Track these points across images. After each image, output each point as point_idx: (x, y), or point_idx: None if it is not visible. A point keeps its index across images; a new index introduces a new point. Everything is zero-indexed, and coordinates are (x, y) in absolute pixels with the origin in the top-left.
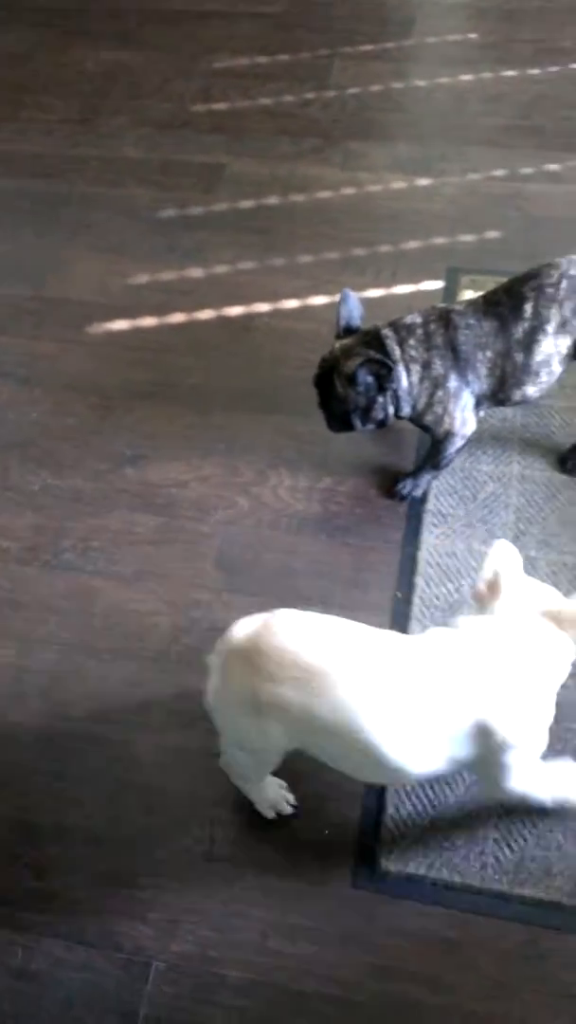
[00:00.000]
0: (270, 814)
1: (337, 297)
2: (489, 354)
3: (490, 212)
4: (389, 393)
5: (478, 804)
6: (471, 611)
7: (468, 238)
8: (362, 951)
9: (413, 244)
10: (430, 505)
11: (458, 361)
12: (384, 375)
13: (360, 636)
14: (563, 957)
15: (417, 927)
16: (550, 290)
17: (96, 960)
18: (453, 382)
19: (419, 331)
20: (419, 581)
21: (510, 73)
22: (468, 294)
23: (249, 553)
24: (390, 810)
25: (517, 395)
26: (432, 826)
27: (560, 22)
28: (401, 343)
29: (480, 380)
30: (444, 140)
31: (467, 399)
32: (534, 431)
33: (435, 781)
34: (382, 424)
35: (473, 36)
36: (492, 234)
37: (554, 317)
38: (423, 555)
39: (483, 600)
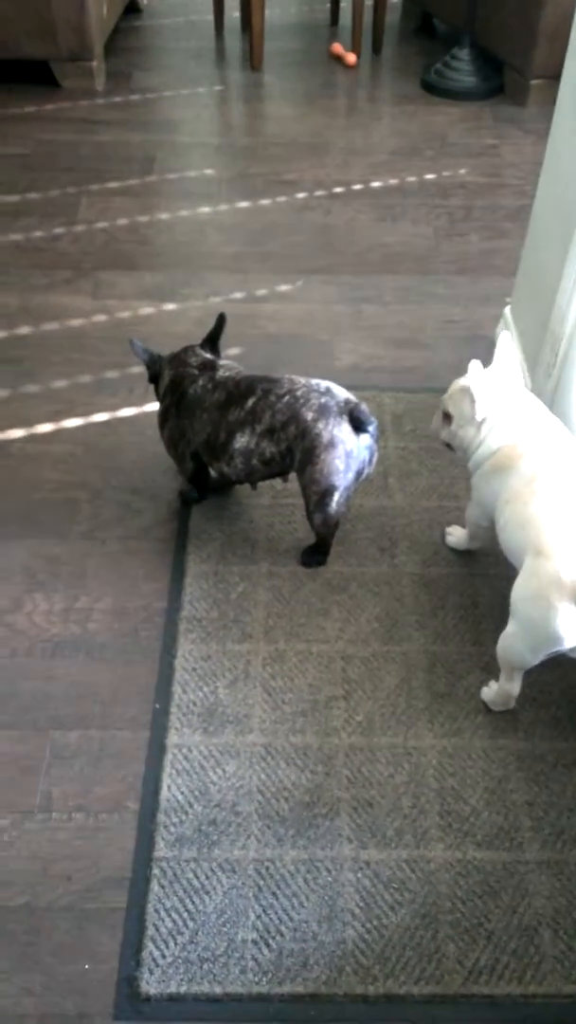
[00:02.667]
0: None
1: (91, 418)
2: (205, 416)
3: (231, 331)
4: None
5: (235, 907)
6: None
7: None
8: None
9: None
10: (185, 612)
11: (181, 405)
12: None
13: None
14: None
15: None
16: (272, 398)
17: None
18: (173, 419)
19: (192, 363)
20: (176, 689)
21: (244, 204)
22: None
23: (2, 685)
24: (150, 931)
25: (216, 467)
26: (192, 940)
27: (285, 157)
28: (174, 361)
29: (195, 433)
30: (187, 268)
31: (185, 444)
32: (279, 529)
33: (195, 891)
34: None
35: (209, 172)
36: (234, 351)
37: (264, 420)
38: (179, 662)
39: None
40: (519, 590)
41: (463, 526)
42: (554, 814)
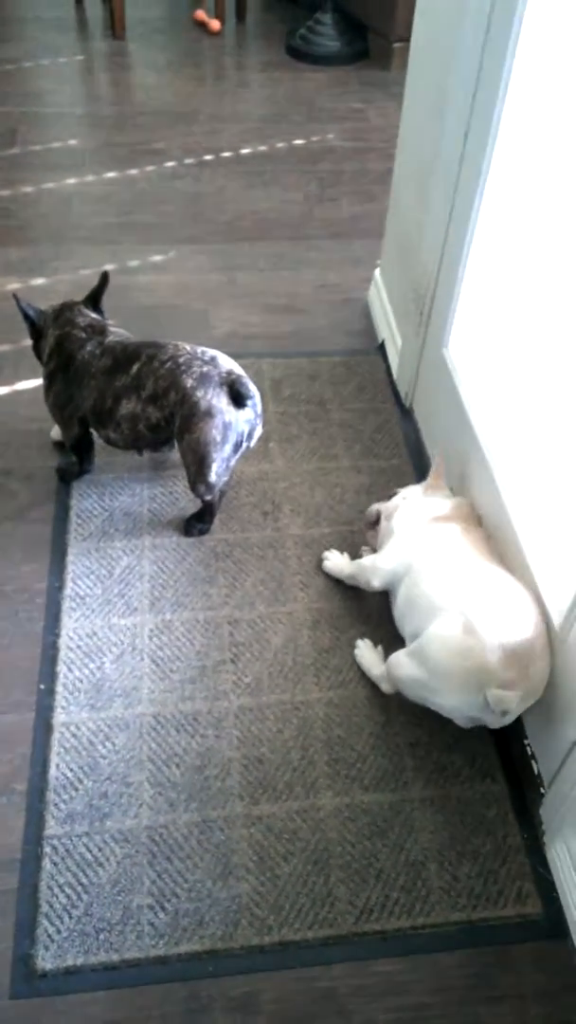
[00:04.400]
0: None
1: None
2: (92, 383)
3: (105, 304)
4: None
5: (130, 875)
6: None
7: None
8: None
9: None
10: (68, 591)
11: (69, 369)
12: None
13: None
14: (222, 1001)
15: (80, 1020)
16: (156, 363)
17: None
18: (60, 383)
19: (80, 323)
20: (61, 668)
21: (111, 175)
22: None
23: None
24: (44, 908)
25: (103, 433)
26: (87, 912)
27: (152, 126)
28: (59, 319)
29: (83, 399)
30: (55, 241)
31: (72, 409)
32: (160, 501)
33: (88, 864)
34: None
35: (74, 143)
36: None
37: (148, 386)
38: (63, 641)
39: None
40: (444, 651)
41: (340, 549)
42: (436, 752)
